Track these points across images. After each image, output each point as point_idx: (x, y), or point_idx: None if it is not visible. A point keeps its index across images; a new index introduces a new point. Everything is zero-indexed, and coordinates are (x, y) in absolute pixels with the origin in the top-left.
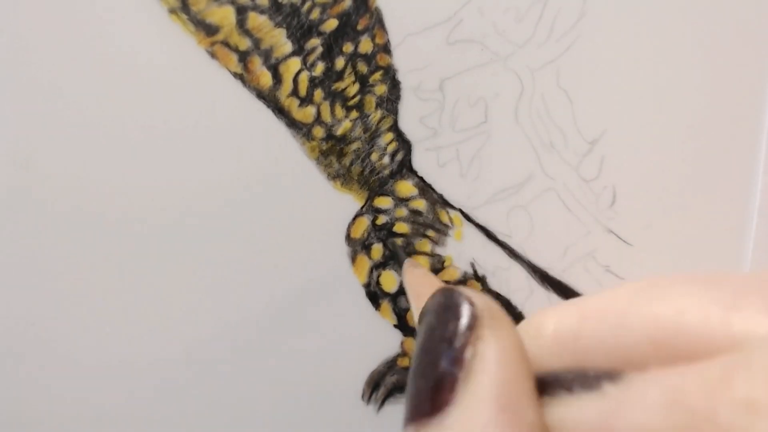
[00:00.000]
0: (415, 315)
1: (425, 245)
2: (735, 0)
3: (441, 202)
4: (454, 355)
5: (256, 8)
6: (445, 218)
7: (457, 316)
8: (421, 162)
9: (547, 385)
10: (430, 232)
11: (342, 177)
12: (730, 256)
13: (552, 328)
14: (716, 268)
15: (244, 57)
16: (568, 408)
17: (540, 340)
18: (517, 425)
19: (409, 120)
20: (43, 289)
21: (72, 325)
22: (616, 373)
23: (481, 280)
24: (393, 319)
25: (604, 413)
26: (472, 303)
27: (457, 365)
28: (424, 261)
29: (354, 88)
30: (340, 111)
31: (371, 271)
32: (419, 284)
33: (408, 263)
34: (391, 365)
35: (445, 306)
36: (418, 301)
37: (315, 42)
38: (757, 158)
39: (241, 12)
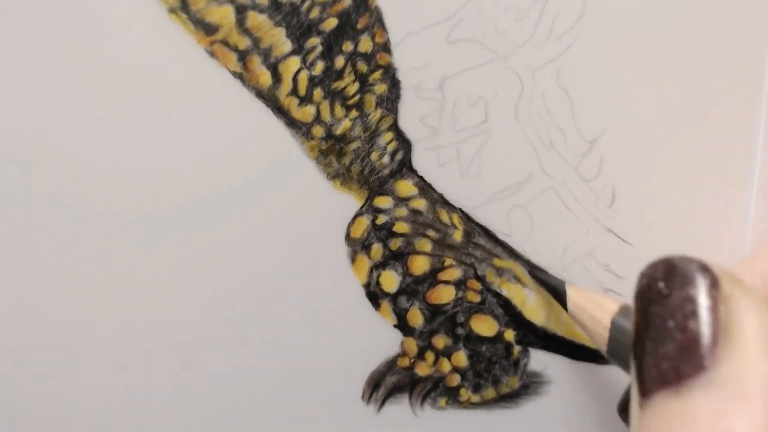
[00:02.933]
0: (594, 338)
1: (425, 245)
2: (735, 0)
3: (441, 201)
4: (706, 314)
5: (255, 7)
6: (445, 218)
7: (695, 280)
8: (421, 161)
9: None
10: (430, 232)
11: (342, 176)
12: (730, 256)
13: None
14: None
15: (243, 56)
16: None
17: None
18: None
19: (409, 119)
20: (42, 284)
21: (71, 318)
22: None
23: (481, 279)
24: (393, 319)
25: None
26: (706, 267)
27: (713, 323)
28: (424, 261)
29: (354, 87)
30: (339, 110)
31: (371, 271)
32: (590, 305)
33: (569, 286)
34: (391, 365)
35: (675, 272)
36: (593, 323)
37: (314, 41)
38: (755, 159)
39: (241, 11)
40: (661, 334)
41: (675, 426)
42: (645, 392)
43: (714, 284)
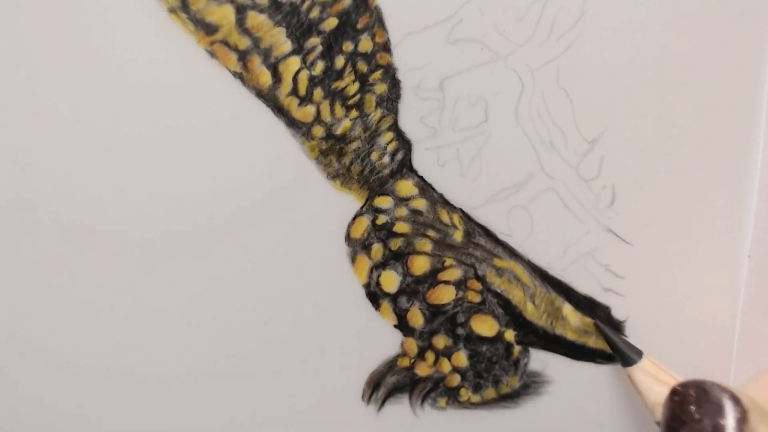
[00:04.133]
0: (652, 411)
1: (425, 245)
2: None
3: (441, 201)
4: None
5: (255, 7)
6: (445, 218)
7: (725, 410)
8: (421, 161)
9: None
10: (431, 232)
11: (342, 176)
12: (729, 256)
13: None
14: (715, 267)
15: (243, 56)
16: None
17: None
18: None
19: (409, 119)
20: (43, 290)
21: (71, 326)
22: None
23: (481, 279)
24: (393, 319)
25: None
26: (737, 398)
27: None
28: (424, 261)
29: (354, 87)
30: (339, 110)
31: (371, 271)
32: (654, 381)
33: (646, 360)
34: (391, 365)
35: (707, 399)
36: (654, 400)
37: (314, 41)
38: (755, 159)
39: (241, 11)
40: None
41: None
42: None
43: (743, 417)
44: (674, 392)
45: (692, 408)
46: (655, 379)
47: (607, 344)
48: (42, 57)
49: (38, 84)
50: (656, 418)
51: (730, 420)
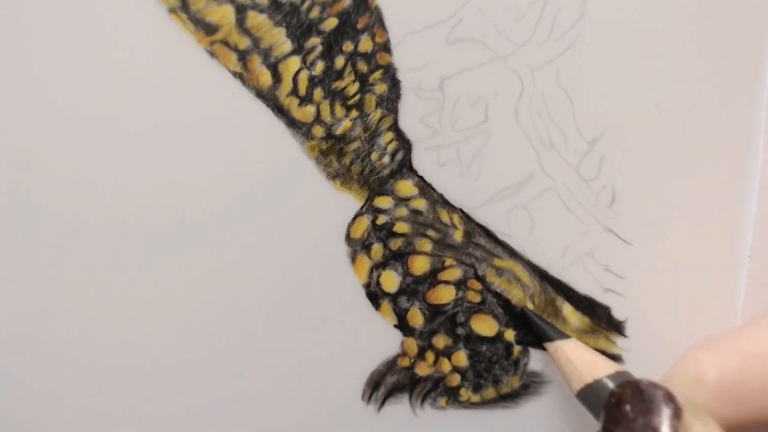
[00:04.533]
0: (571, 384)
1: (425, 245)
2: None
3: (441, 201)
4: None
5: (255, 7)
6: (445, 218)
7: (658, 408)
8: (421, 161)
9: None
10: (431, 232)
11: (342, 176)
12: (729, 256)
13: (714, 377)
14: (715, 267)
15: (243, 56)
16: None
17: (703, 389)
18: None
19: (409, 119)
20: (43, 288)
21: (71, 324)
22: None
23: (481, 279)
24: (393, 319)
25: None
26: (671, 395)
27: None
28: (424, 261)
29: (354, 87)
30: (339, 110)
31: (371, 271)
32: (581, 358)
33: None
34: (391, 365)
35: (642, 398)
36: (577, 375)
37: (314, 41)
38: (755, 159)
39: (241, 11)
40: None
41: None
42: None
43: (676, 414)
44: (611, 394)
45: (627, 407)
46: (582, 354)
47: (532, 325)
48: (41, 57)
49: (38, 84)
50: (573, 390)
51: (663, 418)
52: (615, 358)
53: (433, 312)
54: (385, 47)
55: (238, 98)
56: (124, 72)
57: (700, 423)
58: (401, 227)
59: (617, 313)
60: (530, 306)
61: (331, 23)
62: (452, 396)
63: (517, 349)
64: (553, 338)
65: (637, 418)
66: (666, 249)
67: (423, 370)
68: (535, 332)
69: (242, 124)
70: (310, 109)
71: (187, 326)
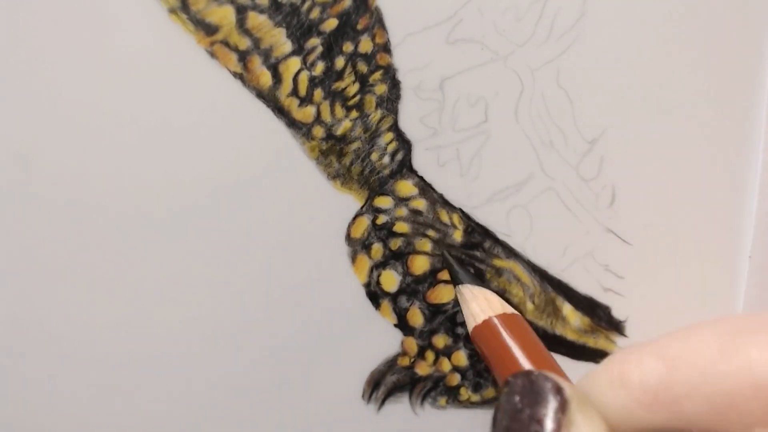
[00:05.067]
0: (468, 320)
1: (425, 245)
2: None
3: (441, 201)
4: None
5: (255, 8)
6: (445, 218)
7: (545, 400)
8: (421, 162)
9: None
10: (431, 232)
11: (342, 177)
12: (730, 256)
13: (638, 379)
14: (715, 267)
15: (243, 56)
16: None
17: (625, 391)
18: None
19: (409, 120)
20: (43, 284)
21: (70, 320)
22: None
23: (482, 279)
24: (393, 319)
25: None
26: (559, 387)
27: None
28: (424, 261)
29: (354, 88)
30: (339, 111)
31: (371, 271)
32: (478, 300)
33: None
34: (391, 365)
35: (531, 389)
36: (471, 317)
37: (315, 41)
38: (755, 159)
39: (241, 11)
40: None
41: None
42: None
43: (562, 407)
44: (505, 383)
45: (516, 398)
46: (479, 300)
47: (447, 268)
48: (41, 57)
49: (38, 84)
50: (469, 328)
51: (549, 410)
52: None
53: (433, 311)
54: (385, 48)
55: (239, 99)
56: (124, 73)
57: (583, 416)
58: (401, 227)
59: (617, 313)
60: (530, 306)
61: (331, 24)
62: (452, 395)
63: None
64: (462, 282)
65: (524, 409)
66: (666, 249)
67: (423, 369)
68: (451, 276)
69: (242, 124)
70: (311, 110)
71: (187, 326)
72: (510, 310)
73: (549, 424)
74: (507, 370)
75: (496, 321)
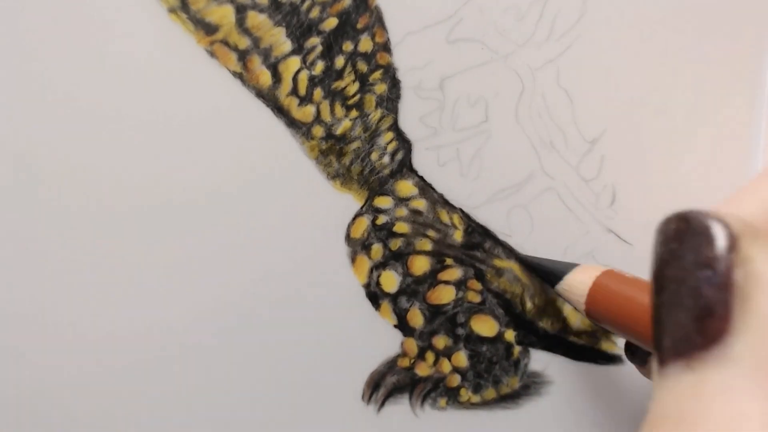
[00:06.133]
0: (578, 307)
1: (425, 245)
2: (734, 0)
3: (441, 201)
4: (721, 279)
5: (255, 7)
6: (445, 218)
7: (710, 239)
8: (421, 161)
9: None
10: (431, 232)
11: (342, 176)
12: None
13: None
14: None
15: (243, 56)
16: None
17: None
18: None
19: (409, 119)
20: (43, 284)
21: (72, 318)
22: None
23: (481, 279)
24: (393, 319)
25: None
26: (725, 223)
27: (727, 290)
28: (424, 261)
29: (354, 87)
30: (339, 110)
31: (371, 271)
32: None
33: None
34: (391, 365)
35: (690, 231)
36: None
37: (314, 41)
38: (755, 159)
39: (241, 11)
40: (676, 300)
41: (684, 403)
42: (660, 362)
43: (732, 245)
44: (657, 232)
45: (673, 245)
46: (572, 287)
47: (535, 270)
48: (41, 57)
49: (38, 84)
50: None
51: (717, 249)
52: (616, 358)
53: (433, 312)
54: (385, 47)
55: (238, 98)
56: (123, 72)
57: (758, 249)
58: (401, 227)
59: None
60: (530, 306)
61: (331, 23)
62: (452, 396)
63: (517, 349)
64: (556, 280)
65: (685, 255)
66: None
67: (423, 370)
68: (541, 277)
69: (242, 124)
70: (310, 109)
71: (186, 326)
72: (599, 270)
73: (720, 265)
74: (635, 318)
75: (601, 280)
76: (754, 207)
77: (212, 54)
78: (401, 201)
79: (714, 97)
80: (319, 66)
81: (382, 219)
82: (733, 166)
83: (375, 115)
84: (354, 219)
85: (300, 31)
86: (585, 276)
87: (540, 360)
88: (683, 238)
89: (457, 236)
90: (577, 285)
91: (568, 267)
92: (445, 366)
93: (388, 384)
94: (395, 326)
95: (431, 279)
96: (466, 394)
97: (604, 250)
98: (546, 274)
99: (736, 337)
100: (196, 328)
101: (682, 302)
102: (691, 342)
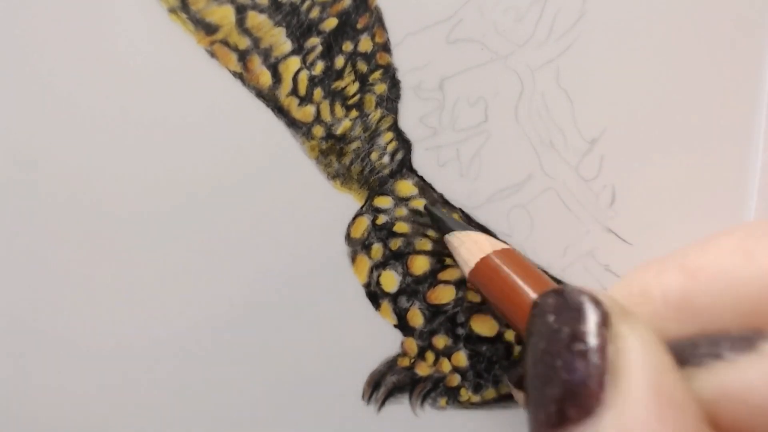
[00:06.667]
0: (462, 268)
1: (425, 245)
2: (734, 0)
3: (441, 201)
4: (593, 355)
5: (255, 7)
6: None
7: (583, 316)
8: (421, 161)
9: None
10: (431, 232)
11: (342, 176)
12: None
13: (660, 293)
14: None
15: (243, 56)
16: (724, 376)
17: (649, 306)
18: (682, 418)
19: (409, 119)
20: (43, 284)
21: (72, 319)
22: (761, 331)
23: None
24: (393, 319)
25: None
26: (597, 300)
27: (599, 366)
28: (424, 261)
29: (354, 87)
30: (339, 110)
31: (371, 271)
32: (472, 243)
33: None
34: (391, 365)
35: (566, 306)
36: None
37: (314, 41)
38: (755, 159)
39: (241, 11)
40: (551, 374)
41: None
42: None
43: (604, 320)
44: (534, 304)
45: (551, 318)
46: (467, 244)
47: (432, 219)
48: (40, 57)
49: (38, 84)
50: (465, 273)
51: (590, 325)
52: None
53: (433, 312)
54: (385, 47)
55: (238, 98)
56: (123, 72)
57: (629, 327)
58: (401, 227)
59: None
60: None
61: (331, 23)
62: (452, 396)
63: (517, 349)
64: (453, 229)
65: (561, 328)
66: (666, 249)
67: (423, 370)
68: (438, 226)
69: (242, 124)
70: (310, 109)
71: (185, 326)
72: (500, 245)
73: (593, 340)
74: (513, 303)
75: (492, 257)
76: (619, 290)
77: (212, 54)
78: (401, 201)
79: (714, 97)
80: (319, 66)
81: (382, 219)
82: (732, 166)
83: (375, 115)
84: (354, 219)
85: (300, 31)
86: (486, 245)
87: None
88: (559, 313)
89: None
90: (471, 244)
91: (469, 228)
92: (445, 366)
93: (389, 383)
94: (395, 326)
95: (431, 279)
96: (466, 394)
97: (604, 250)
98: (445, 225)
99: (606, 410)
100: (195, 327)
101: (556, 376)
102: (565, 415)
